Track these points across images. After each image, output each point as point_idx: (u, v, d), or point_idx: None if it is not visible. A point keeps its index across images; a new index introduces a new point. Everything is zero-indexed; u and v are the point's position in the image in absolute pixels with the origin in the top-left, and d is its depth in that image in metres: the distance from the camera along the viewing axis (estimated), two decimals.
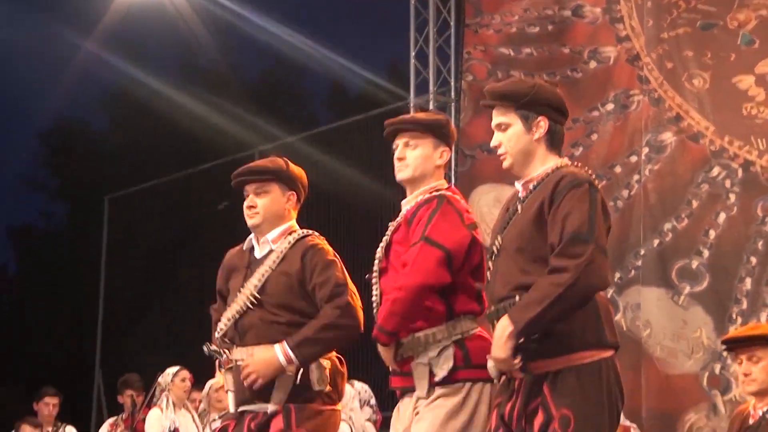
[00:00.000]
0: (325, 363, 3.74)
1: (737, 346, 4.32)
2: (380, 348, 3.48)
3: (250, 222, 3.87)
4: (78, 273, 15.26)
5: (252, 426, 3.71)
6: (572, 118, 8.46)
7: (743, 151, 7.31)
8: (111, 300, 12.16)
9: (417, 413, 3.42)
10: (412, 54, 9.38)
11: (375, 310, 3.56)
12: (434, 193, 3.57)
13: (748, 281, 7.05)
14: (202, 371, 7.64)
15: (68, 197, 18.70)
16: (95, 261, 12.45)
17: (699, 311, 7.20)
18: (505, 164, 3.24)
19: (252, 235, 3.93)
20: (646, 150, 7.74)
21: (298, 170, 3.98)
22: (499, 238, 3.18)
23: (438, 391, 3.40)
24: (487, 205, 8.94)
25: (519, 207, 3.18)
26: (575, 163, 3.26)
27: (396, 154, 3.61)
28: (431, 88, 9.40)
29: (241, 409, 3.78)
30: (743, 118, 7.36)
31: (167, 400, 6.91)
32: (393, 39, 12.49)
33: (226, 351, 3.79)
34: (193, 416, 7.00)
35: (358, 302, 3.78)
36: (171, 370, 7.03)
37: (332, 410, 3.78)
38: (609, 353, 3.08)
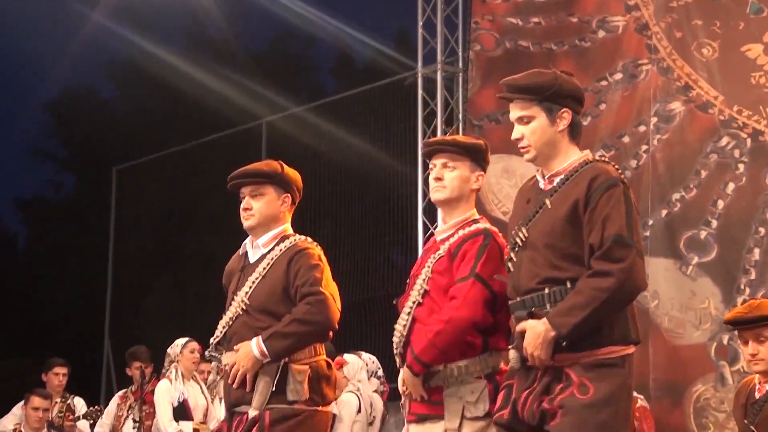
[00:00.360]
0: (302, 372, 3.77)
1: (744, 327, 4.27)
2: (408, 376, 3.50)
3: (245, 224, 3.94)
4: (86, 244, 15.29)
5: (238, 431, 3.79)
6: None
7: (752, 121, 7.27)
8: (119, 271, 12.20)
9: None
10: (420, 24, 9.33)
11: (399, 337, 3.57)
12: (476, 227, 3.60)
13: (757, 251, 7.02)
14: (209, 343, 7.68)
15: (76, 168, 18.72)
16: (104, 232, 12.48)
17: (707, 282, 7.18)
18: (528, 157, 3.24)
19: (248, 239, 4.01)
20: (654, 120, 7.70)
21: (292, 173, 4.04)
22: (524, 230, 3.18)
23: (468, 424, 3.46)
24: (495, 176, 8.92)
25: (547, 201, 3.17)
26: (601, 156, 3.31)
27: (433, 174, 3.64)
28: (439, 57, 9.36)
29: (230, 411, 3.88)
30: (752, 87, 7.31)
31: (176, 372, 6.94)
32: (401, 8, 12.42)
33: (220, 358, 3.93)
34: (201, 387, 7.03)
35: (333, 301, 3.81)
36: (180, 342, 7.06)
37: (313, 411, 3.80)
38: (632, 349, 3.15)
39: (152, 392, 7.00)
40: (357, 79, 12.79)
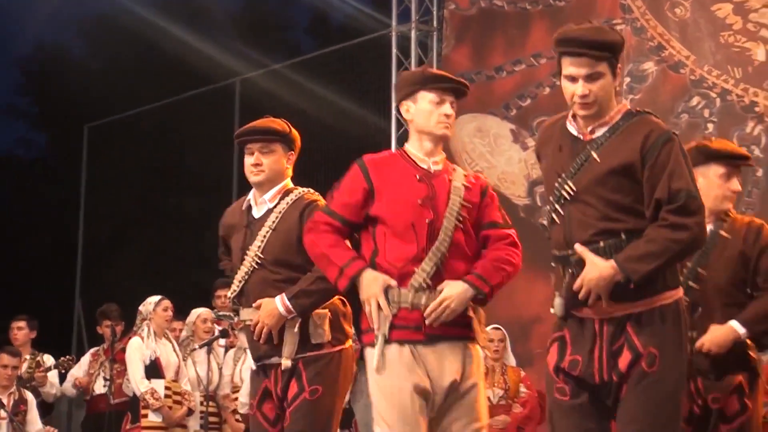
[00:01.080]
0: (321, 316, 3.94)
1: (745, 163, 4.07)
2: (463, 300, 3.46)
3: (254, 179, 4.06)
4: (58, 202, 15.20)
5: (278, 388, 3.95)
6: (554, 48, 8.40)
7: (721, 80, 7.30)
8: (91, 230, 12.14)
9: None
10: None
11: (438, 255, 3.49)
12: (474, 172, 3.75)
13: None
14: (182, 301, 7.68)
15: (48, 126, 18.56)
16: (75, 190, 12.40)
17: None
18: (590, 112, 3.21)
19: (250, 195, 4.12)
20: (627, 80, 7.71)
21: (296, 133, 4.18)
22: (570, 183, 3.19)
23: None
24: (468, 135, 8.92)
25: (594, 154, 3.18)
26: (634, 107, 3.30)
27: (449, 110, 3.61)
28: (413, 16, 9.32)
29: (259, 363, 4.03)
30: (721, 46, 7.34)
31: (148, 329, 6.92)
32: None
33: (236, 313, 4.06)
34: (173, 345, 7.02)
35: None
36: (153, 299, 7.04)
37: (339, 351, 4.00)
38: (681, 292, 3.24)
39: (123, 350, 6.99)
40: (332, 37, 12.70)
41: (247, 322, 3.96)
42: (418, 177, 3.57)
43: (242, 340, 4.15)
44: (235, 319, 4.08)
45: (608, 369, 3.16)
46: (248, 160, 4.06)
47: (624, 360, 3.13)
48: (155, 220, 12.39)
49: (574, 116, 3.30)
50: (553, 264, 3.35)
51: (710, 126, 7.27)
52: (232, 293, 4.03)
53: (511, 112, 8.64)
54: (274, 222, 3.98)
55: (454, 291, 3.46)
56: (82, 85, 16.61)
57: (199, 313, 7.26)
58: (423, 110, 3.59)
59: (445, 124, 3.60)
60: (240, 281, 4.00)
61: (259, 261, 3.96)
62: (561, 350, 3.25)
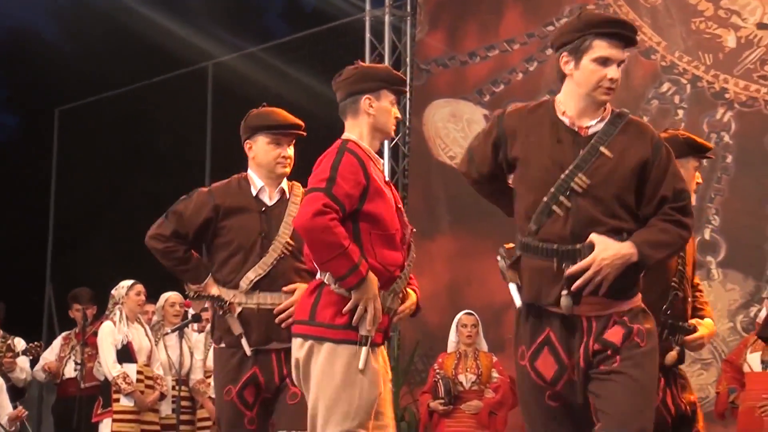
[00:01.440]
0: None
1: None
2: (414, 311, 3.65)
3: (283, 170, 4.11)
4: (28, 186, 15.10)
5: (284, 367, 3.93)
6: (527, 33, 8.43)
7: (692, 67, 7.35)
8: (62, 213, 12.07)
9: None
10: None
11: (405, 271, 3.57)
12: None
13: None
14: (155, 285, 7.65)
15: (18, 109, 18.42)
16: (46, 174, 12.33)
17: None
18: (610, 98, 3.24)
19: (258, 181, 4.10)
20: None
21: None
22: (582, 177, 3.15)
23: None
24: (442, 120, 8.94)
25: (603, 149, 3.17)
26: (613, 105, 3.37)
27: (399, 114, 3.70)
28: (387, 1, 9.31)
29: (256, 347, 3.98)
30: (692, 32, 7.40)
31: (120, 314, 6.89)
32: None
33: (233, 297, 4.00)
34: (145, 329, 7.00)
35: None
36: (125, 284, 7.00)
37: None
38: None
39: (95, 334, 6.97)
40: (305, 22, 12.67)
41: (265, 306, 3.95)
42: (386, 180, 3.61)
43: (235, 325, 4.04)
44: (227, 303, 4.01)
45: (600, 346, 3.14)
46: (276, 151, 4.06)
47: (617, 333, 3.13)
48: (127, 204, 12.33)
49: (555, 106, 3.28)
50: (520, 254, 3.25)
51: (680, 112, 7.33)
52: (256, 276, 3.97)
53: (484, 97, 8.67)
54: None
55: (415, 298, 3.63)
56: (53, 68, 16.48)
57: (167, 297, 7.24)
58: (385, 109, 3.60)
59: (394, 127, 3.67)
60: (269, 266, 3.98)
61: (290, 248, 3.98)
62: (556, 357, 3.20)
